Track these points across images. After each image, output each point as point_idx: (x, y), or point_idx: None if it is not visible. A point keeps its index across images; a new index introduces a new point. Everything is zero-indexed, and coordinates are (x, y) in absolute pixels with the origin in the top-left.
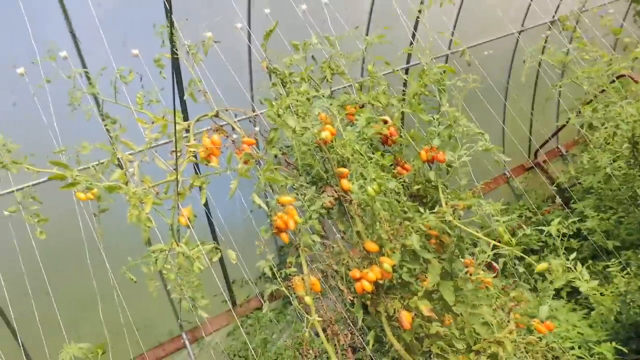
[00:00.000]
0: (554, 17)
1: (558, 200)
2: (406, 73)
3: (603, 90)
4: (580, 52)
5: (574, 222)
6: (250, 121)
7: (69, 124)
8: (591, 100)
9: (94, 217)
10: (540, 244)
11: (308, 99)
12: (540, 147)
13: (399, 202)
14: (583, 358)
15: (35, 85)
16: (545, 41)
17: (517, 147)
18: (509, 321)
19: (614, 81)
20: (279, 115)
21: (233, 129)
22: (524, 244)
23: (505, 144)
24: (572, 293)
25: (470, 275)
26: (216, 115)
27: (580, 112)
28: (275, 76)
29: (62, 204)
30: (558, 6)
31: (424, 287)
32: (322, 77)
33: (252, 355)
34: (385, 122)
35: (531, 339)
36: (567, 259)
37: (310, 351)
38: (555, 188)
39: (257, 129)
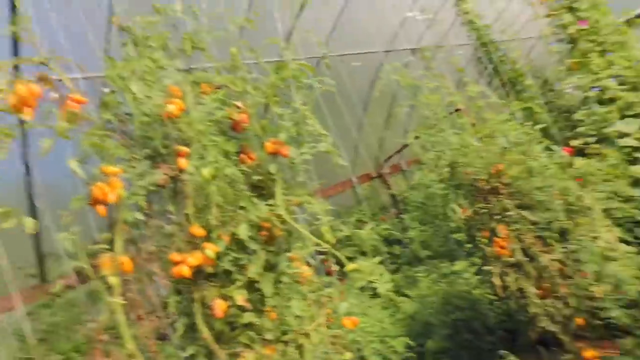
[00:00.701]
0: (416, 46)
1: (393, 210)
2: None
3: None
4: (427, 80)
5: (403, 230)
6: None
7: None
8: (434, 125)
9: None
10: (370, 247)
11: (160, 68)
12: (386, 160)
13: (236, 190)
14: (379, 350)
15: None
16: (406, 65)
17: (367, 158)
18: (321, 316)
19: (452, 113)
20: (121, 78)
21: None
22: (356, 246)
23: (358, 153)
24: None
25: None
26: (44, 64)
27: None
28: (128, 36)
29: None
30: (421, 37)
31: (246, 277)
32: (182, 50)
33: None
34: (239, 107)
35: (336, 332)
36: (381, 262)
37: (106, 336)
38: (392, 198)
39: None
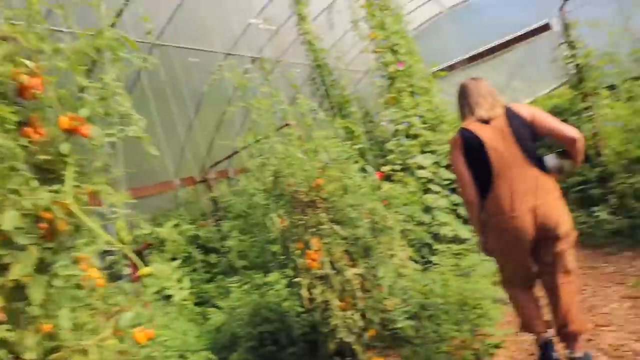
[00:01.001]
0: (256, 55)
1: (214, 217)
2: None
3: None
4: (263, 88)
5: (222, 239)
6: None
7: None
8: (263, 132)
9: None
10: (184, 254)
11: None
12: (213, 165)
13: (11, 168)
14: None
15: None
16: (244, 72)
17: (194, 160)
18: (107, 328)
19: (283, 126)
20: None
21: None
22: (171, 251)
23: (185, 154)
24: (203, 303)
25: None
26: None
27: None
28: None
29: None
30: (262, 48)
31: (7, 279)
32: None
33: None
34: (30, 69)
35: (123, 347)
36: (194, 270)
37: None
38: (214, 205)
39: None
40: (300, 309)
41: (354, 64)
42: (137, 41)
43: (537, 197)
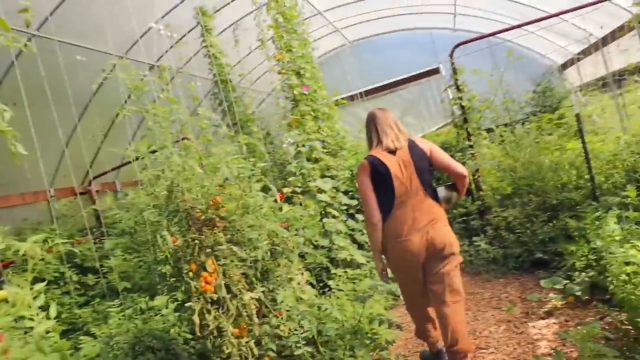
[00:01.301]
0: (155, 62)
1: (96, 233)
2: None
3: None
4: (161, 97)
5: (103, 257)
6: None
7: None
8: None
9: None
10: (56, 274)
11: None
12: (98, 176)
13: None
14: None
15: None
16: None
17: (75, 169)
18: None
19: (181, 140)
20: None
21: None
22: (37, 271)
23: (64, 161)
24: (75, 330)
25: None
26: None
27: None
28: None
29: None
30: (162, 56)
31: None
32: None
33: None
34: None
35: None
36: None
37: None
38: (96, 220)
39: None
40: (189, 336)
41: (257, 84)
42: (14, 29)
43: (430, 224)
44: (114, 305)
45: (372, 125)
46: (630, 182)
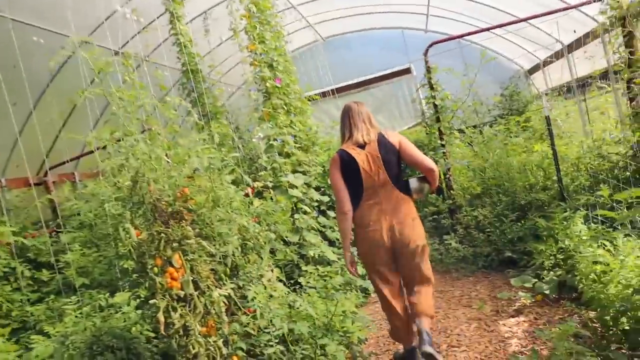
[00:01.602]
0: (120, 49)
1: (52, 226)
2: None
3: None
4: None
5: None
6: None
7: None
8: (124, 128)
9: None
10: (6, 269)
11: None
12: (55, 166)
13: None
14: None
15: None
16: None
17: (32, 157)
18: None
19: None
20: None
21: None
22: None
23: (17, 149)
24: (27, 329)
25: None
26: None
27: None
28: None
29: None
30: (128, 42)
31: None
32: None
33: None
34: None
35: None
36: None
37: None
38: (53, 212)
39: None
40: (152, 334)
41: (228, 76)
42: None
43: (397, 216)
44: (70, 302)
45: (346, 118)
46: (595, 184)
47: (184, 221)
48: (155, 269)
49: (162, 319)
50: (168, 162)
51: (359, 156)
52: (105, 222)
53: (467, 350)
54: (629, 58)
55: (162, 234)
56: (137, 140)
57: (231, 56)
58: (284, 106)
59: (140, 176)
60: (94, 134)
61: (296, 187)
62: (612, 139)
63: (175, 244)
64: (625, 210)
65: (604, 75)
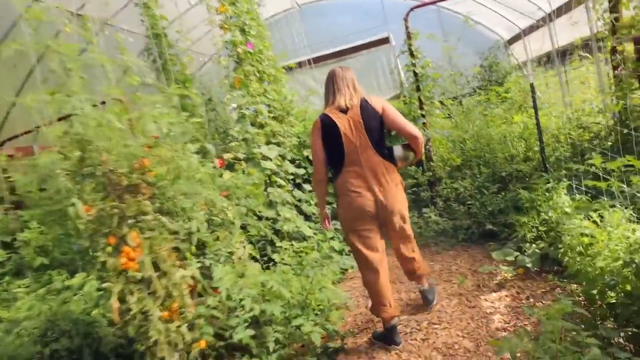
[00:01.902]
0: (76, 11)
1: (6, 204)
2: None
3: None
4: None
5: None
6: None
7: None
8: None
9: None
10: None
11: None
12: (10, 139)
13: None
14: None
15: None
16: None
17: None
18: None
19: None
20: None
21: None
22: None
23: None
24: None
25: None
26: None
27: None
28: None
29: None
30: (83, 5)
31: None
32: None
33: None
34: None
35: None
36: None
37: None
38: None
39: None
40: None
41: (199, 45)
42: None
43: (379, 181)
44: (23, 284)
45: (330, 83)
46: (575, 155)
47: (141, 195)
48: (109, 249)
49: (115, 304)
50: (123, 127)
51: (341, 121)
52: (61, 197)
53: (449, 328)
54: (613, 24)
55: (116, 210)
56: (81, 101)
57: (202, 22)
58: (257, 73)
59: (89, 145)
60: (31, 97)
61: (270, 159)
62: (593, 109)
63: (131, 221)
64: (612, 180)
65: (586, 44)
